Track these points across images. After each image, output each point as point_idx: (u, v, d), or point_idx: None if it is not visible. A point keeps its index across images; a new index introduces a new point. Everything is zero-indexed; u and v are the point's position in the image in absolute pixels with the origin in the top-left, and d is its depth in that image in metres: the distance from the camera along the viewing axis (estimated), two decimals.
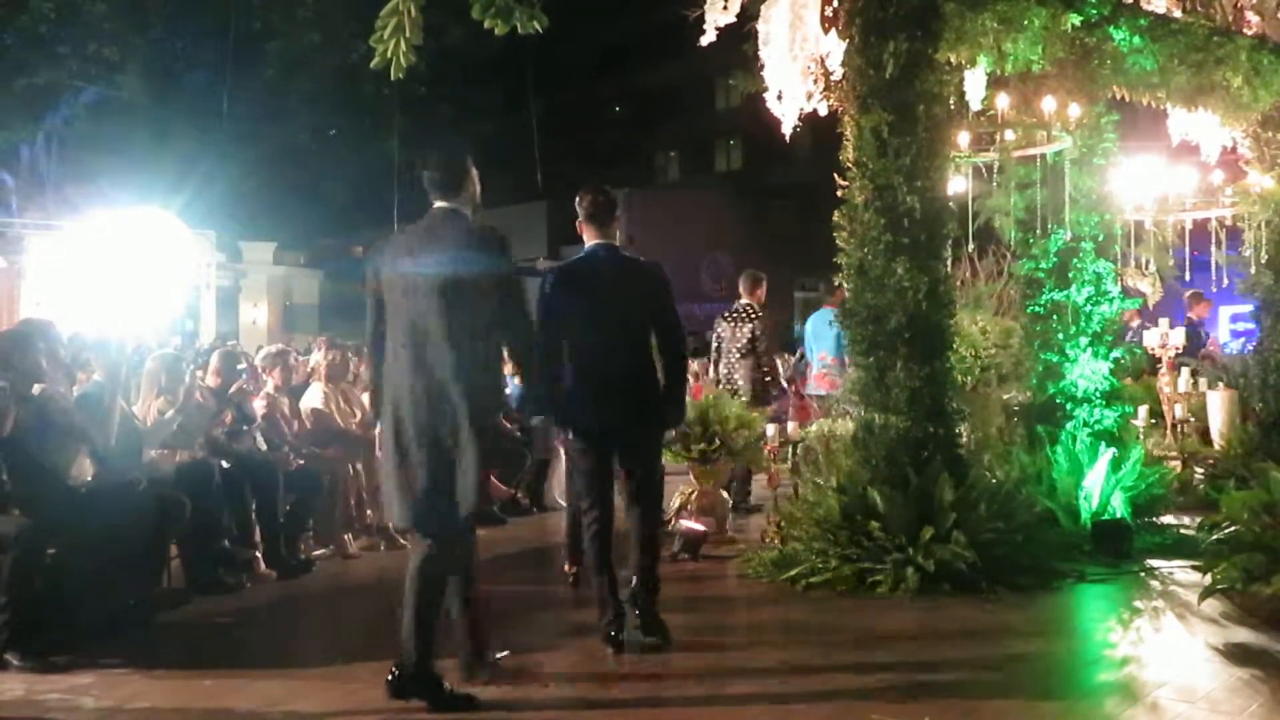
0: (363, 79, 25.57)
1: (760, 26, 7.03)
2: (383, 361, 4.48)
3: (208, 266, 20.09)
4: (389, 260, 4.46)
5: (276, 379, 7.72)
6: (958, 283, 8.16)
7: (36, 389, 5.51)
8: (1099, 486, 7.18)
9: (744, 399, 8.68)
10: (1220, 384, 9.73)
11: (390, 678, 4.29)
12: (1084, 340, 7.88)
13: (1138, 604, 6.00)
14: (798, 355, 14.95)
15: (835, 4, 6.75)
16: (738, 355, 9.28)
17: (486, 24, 7.02)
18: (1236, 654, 5.00)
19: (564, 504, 8.62)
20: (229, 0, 26.06)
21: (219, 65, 27.12)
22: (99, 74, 24.78)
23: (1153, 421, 9.01)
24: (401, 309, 4.38)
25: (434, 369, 4.30)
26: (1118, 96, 8.02)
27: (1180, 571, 6.52)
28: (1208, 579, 5.52)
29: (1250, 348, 10.19)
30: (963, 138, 7.52)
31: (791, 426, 8.14)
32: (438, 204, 4.53)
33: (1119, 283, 8.35)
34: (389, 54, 6.95)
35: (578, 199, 5.33)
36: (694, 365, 11.06)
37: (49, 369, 5.64)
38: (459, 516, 4.31)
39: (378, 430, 5.32)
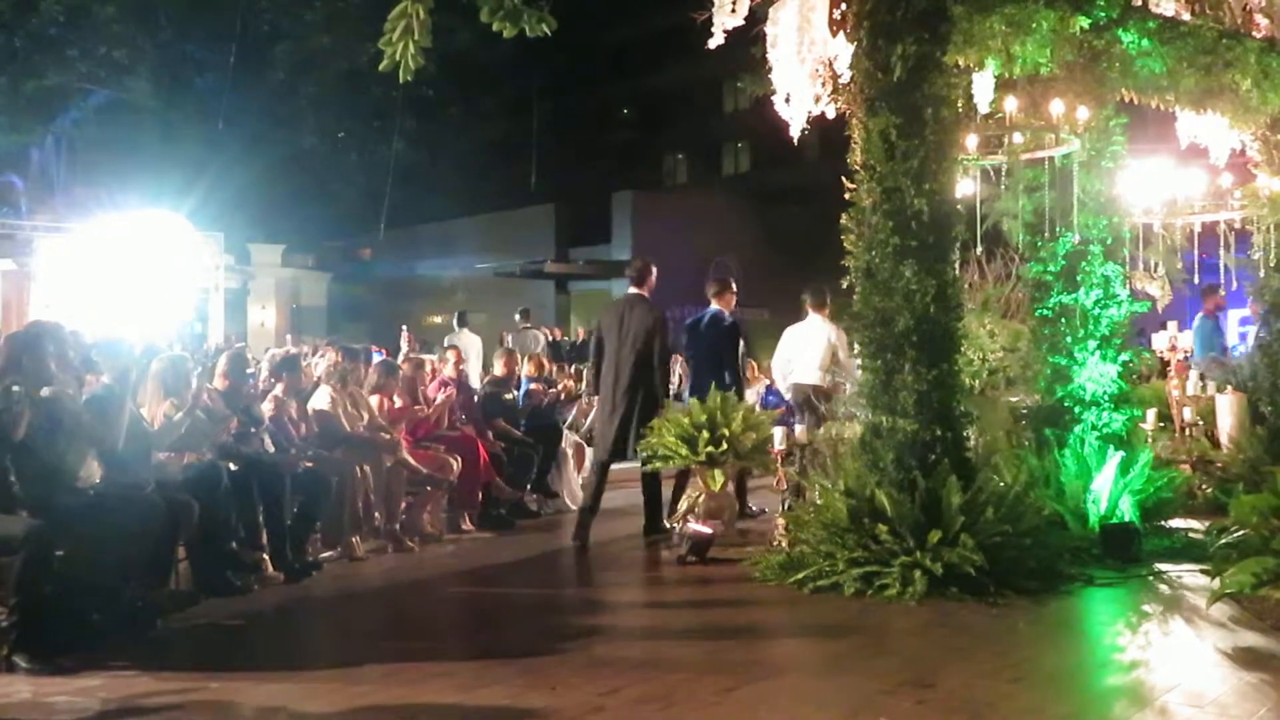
0: (371, 82, 25.67)
1: (768, 29, 7.02)
2: (600, 370, 8.27)
3: (216, 269, 20.14)
4: (610, 320, 8.30)
5: (285, 381, 7.72)
6: (965, 286, 8.15)
7: (45, 391, 5.51)
8: (1107, 490, 7.17)
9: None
10: (1229, 387, 9.69)
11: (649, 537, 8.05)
12: (1092, 343, 7.87)
13: (1146, 608, 5.99)
14: None
15: (843, 7, 6.75)
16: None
17: (495, 27, 7.00)
18: (1245, 658, 4.99)
19: (573, 506, 8.78)
20: (238, 3, 26.12)
21: (228, 68, 27.19)
22: (108, 77, 24.87)
23: (1161, 425, 8.98)
24: (614, 346, 8.15)
25: (626, 376, 8.06)
26: (1126, 99, 8.02)
27: (1189, 575, 6.51)
28: (1216, 583, 5.50)
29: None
30: (971, 140, 7.52)
31: (799, 429, 8.12)
32: (631, 290, 8.44)
33: (1127, 286, 8.34)
34: (397, 57, 6.94)
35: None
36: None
37: (58, 371, 5.64)
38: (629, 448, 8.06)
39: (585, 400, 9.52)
